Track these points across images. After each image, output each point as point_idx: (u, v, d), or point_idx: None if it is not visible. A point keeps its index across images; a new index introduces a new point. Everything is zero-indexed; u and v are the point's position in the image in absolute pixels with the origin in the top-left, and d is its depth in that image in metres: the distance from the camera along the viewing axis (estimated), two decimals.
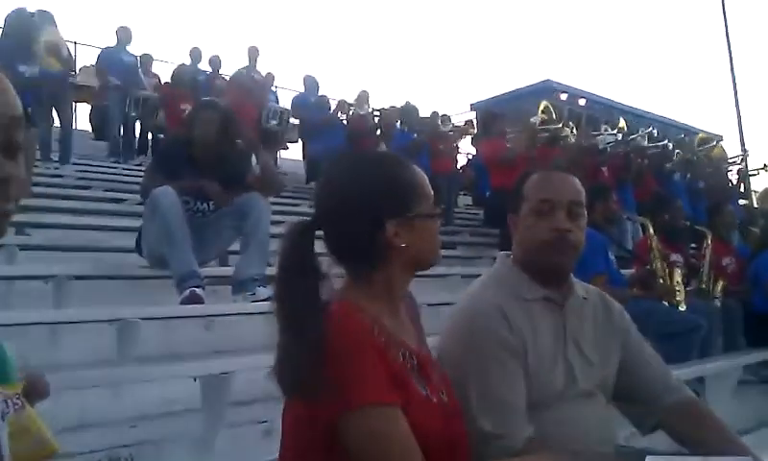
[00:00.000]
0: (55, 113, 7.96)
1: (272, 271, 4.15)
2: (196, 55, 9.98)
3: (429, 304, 3.74)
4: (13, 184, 0.95)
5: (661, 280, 4.43)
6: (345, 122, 9.54)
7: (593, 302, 1.88)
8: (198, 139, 4.16)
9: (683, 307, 4.37)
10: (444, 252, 1.66)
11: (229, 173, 4.12)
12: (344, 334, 1.32)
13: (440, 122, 9.72)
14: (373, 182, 1.45)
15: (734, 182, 11.28)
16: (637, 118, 13.36)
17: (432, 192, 1.52)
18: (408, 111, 9.66)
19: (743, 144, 14.66)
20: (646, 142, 9.33)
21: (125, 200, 6.26)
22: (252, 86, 9.25)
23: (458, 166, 10.07)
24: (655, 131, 9.76)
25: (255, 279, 3.92)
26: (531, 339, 1.69)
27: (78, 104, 10.16)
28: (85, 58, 9.54)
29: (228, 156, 4.16)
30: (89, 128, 10.75)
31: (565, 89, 17.88)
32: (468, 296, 1.83)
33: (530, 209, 1.80)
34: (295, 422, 1.39)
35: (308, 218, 1.45)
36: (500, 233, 6.79)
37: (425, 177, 1.53)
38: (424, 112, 9.86)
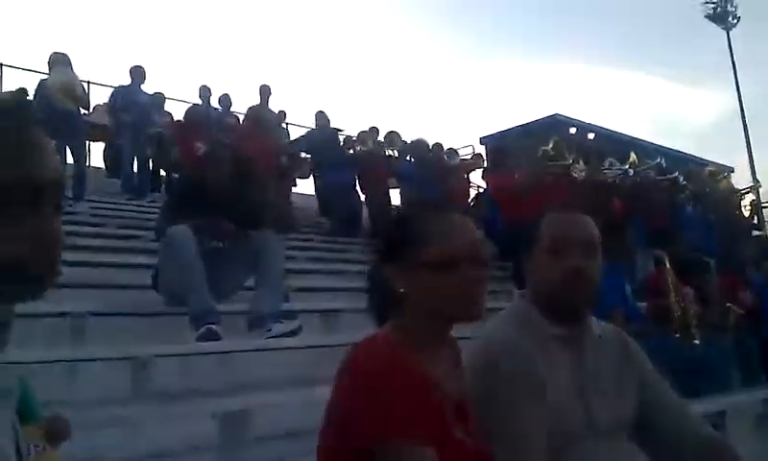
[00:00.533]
0: (69, 151, 8.05)
1: (286, 306, 4.20)
2: (205, 92, 10.09)
3: None
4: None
5: (677, 314, 4.40)
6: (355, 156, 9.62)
7: (610, 339, 1.88)
8: (211, 180, 4.21)
9: (697, 341, 4.34)
10: None
11: (243, 212, 4.16)
12: (369, 365, 1.36)
13: (446, 156, 9.79)
14: (390, 229, 1.56)
15: (747, 215, 11.24)
16: (647, 151, 13.37)
17: (465, 244, 1.48)
18: (417, 146, 9.72)
19: (754, 175, 14.69)
20: (656, 175, 9.33)
21: (139, 236, 6.29)
22: (269, 120, 9.34)
23: (469, 200, 10.10)
24: (663, 162, 9.75)
25: (270, 315, 3.94)
26: (549, 377, 1.69)
27: (92, 142, 10.25)
28: (99, 96, 9.64)
29: (242, 195, 4.21)
30: (103, 165, 10.86)
31: (574, 123, 17.98)
32: (484, 334, 1.83)
33: (543, 249, 1.81)
34: (325, 453, 1.40)
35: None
36: (514, 266, 6.78)
37: (463, 227, 1.52)
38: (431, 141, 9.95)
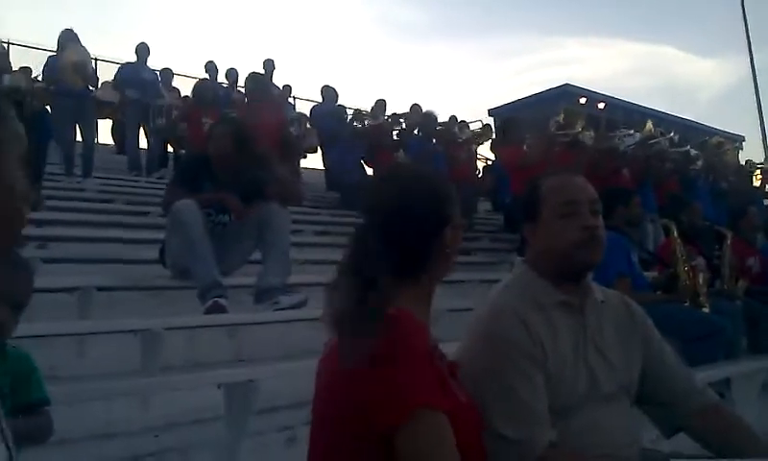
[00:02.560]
0: (77, 129, 8.08)
1: (294, 279, 4.22)
2: (212, 68, 10.06)
3: (450, 310, 3.74)
4: None
5: (685, 283, 4.38)
6: (362, 131, 9.58)
7: (613, 304, 1.89)
8: (214, 154, 4.22)
9: (706, 309, 4.33)
10: (464, 258, 1.69)
11: (248, 185, 4.16)
12: (410, 340, 1.35)
13: (456, 129, 9.73)
14: (439, 189, 1.54)
15: (759, 183, 11.18)
16: (659, 121, 13.27)
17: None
18: (425, 118, 9.66)
19: (766, 146, 14.56)
20: (668, 147, 9.25)
21: (147, 212, 6.32)
22: (271, 91, 9.29)
23: (477, 172, 10.06)
24: (676, 137, 9.66)
25: (277, 288, 3.95)
26: (550, 344, 1.69)
27: (99, 119, 10.27)
28: (106, 74, 9.63)
29: (246, 168, 4.21)
30: (111, 142, 10.90)
31: (584, 93, 17.85)
32: (486, 303, 1.84)
33: (554, 213, 1.80)
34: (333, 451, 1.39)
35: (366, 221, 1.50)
36: (521, 238, 6.77)
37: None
38: (442, 117, 9.88)
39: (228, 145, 4.20)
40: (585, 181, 1.87)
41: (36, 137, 5.93)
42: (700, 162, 9.52)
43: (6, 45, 8.53)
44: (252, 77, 8.92)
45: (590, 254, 1.79)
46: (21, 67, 8.12)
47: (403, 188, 1.52)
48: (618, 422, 1.75)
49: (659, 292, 4.46)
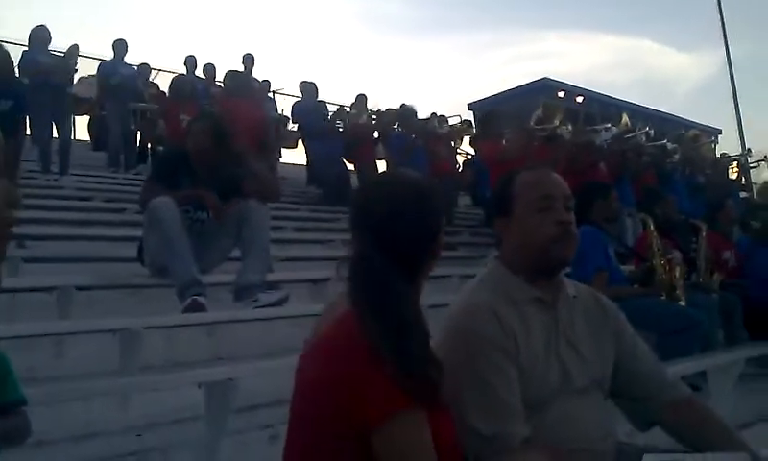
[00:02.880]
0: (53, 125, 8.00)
1: (273, 277, 4.21)
2: (191, 63, 10.00)
3: (430, 307, 3.75)
4: None
5: (661, 276, 4.43)
6: (342, 127, 9.59)
7: (584, 299, 1.91)
8: (192, 150, 4.19)
9: (682, 303, 4.38)
10: (444, 252, 1.71)
11: (226, 181, 4.15)
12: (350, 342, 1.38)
13: (436, 123, 9.76)
14: (431, 196, 1.60)
15: (735, 176, 11.32)
16: (635, 114, 13.37)
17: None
18: (405, 114, 9.68)
19: (742, 136, 14.73)
20: (644, 140, 9.33)
21: (125, 209, 6.27)
22: (249, 86, 9.26)
23: (457, 167, 10.10)
24: (652, 131, 9.75)
25: (257, 285, 3.95)
26: (523, 339, 1.71)
27: (76, 116, 10.17)
28: (82, 69, 9.53)
29: (224, 164, 4.19)
30: (87, 139, 10.79)
31: (563, 87, 17.93)
32: (459, 299, 1.86)
33: (529, 208, 1.81)
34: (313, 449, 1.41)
35: (363, 244, 1.51)
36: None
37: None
38: (422, 114, 9.91)
39: (206, 141, 4.18)
40: (558, 177, 1.89)
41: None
42: (677, 156, 9.62)
43: None
44: (231, 74, 8.88)
45: (565, 249, 1.81)
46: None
47: (396, 199, 1.55)
48: (592, 415, 1.77)
49: (636, 286, 4.50)
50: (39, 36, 8.00)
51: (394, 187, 1.59)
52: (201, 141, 4.18)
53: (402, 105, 9.70)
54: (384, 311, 1.37)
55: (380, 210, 1.53)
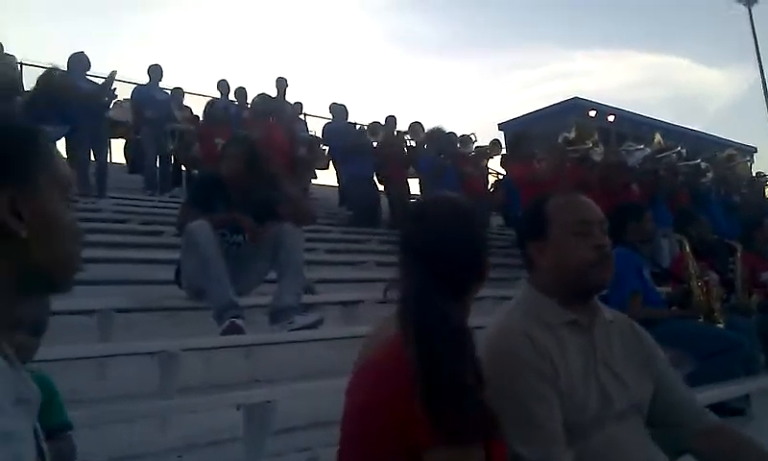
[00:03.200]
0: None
1: (306, 299, 4.24)
2: (224, 86, 10.13)
3: None
4: None
5: (699, 298, 4.38)
6: (374, 146, 9.66)
7: (620, 324, 1.91)
8: (227, 174, 4.26)
9: (721, 325, 4.32)
10: None
11: (260, 205, 4.20)
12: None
13: (462, 144, 9.78)
14: (481, 221, 1.73)
15: None
16: (668, 133, 13.24)
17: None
18: (434, 134, 9.71)
19: None
20: (677, 160, 9.24)
21: (162, 232, 6.36)
22: (278, 110, 9.38)
23: (488, 187, 10.08)
24: (684, 150, 9.64)
25: (293, 307, 3.98)
26: (561, 363, 1.71)
27: (112, 139, 10.35)
28: (120, 93, 9.72)
29: (258, 188, 4.25)
30: (123, 161, 10.98)
31: (594, 106, 17.84)
32: (493, 323, 1.86)
33: (566, 231, 1.82)
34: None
35: (420, 274, 1.52)
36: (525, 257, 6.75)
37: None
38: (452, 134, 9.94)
39: (239, 165, 4.25)
40: (592, 202, 1.90)
41: None
42: (710, 175, 9.50)
43: (18, 65, 8.59)
44: (260, 97, 8.99)
45: (603, 272, 1.81)
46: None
47: (445, 223, 1.59)
48: (635, 440, 1.75)
49: (673, 308, 4.45)
50: (79, 61, 8.18)
51: (441, 211, 1.62)
52: (234, 165, 4.26)
53: (434, 127, 9.74)
54: (434, 339, 1.38)
55: (430, 235, 1.56)
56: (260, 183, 4.29)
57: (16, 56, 8.09)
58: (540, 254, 1.86)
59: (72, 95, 7.27)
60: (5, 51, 7.74)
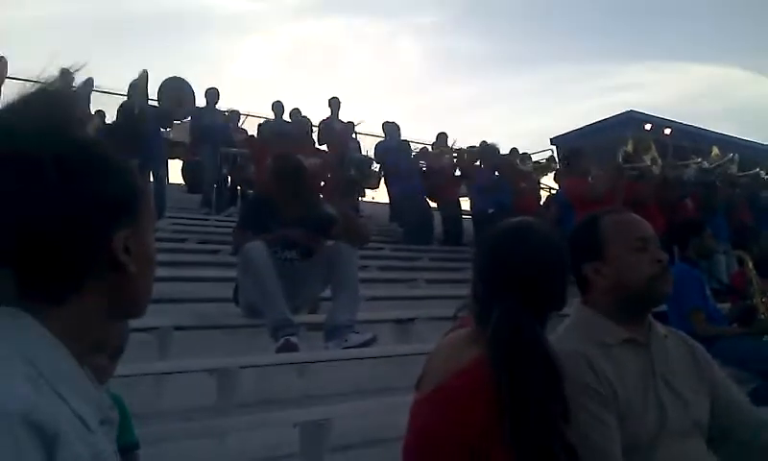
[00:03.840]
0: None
1: (360, 316, 4.28)
2: (278, 108, 10.32)
3: None
4: None
5: (763, 316, 4.26)
6: (425, 166, 9.70)
7: (675, 340, 1.88)
8: (275, 194, 4.35)
9: None
10: None
11: (312, 223, 4.27)
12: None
13: (518, 161, 9.74)
14: (566, 249, 1.70)
15: None
16: (729, 146, 12.90)
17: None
18: (487, 151, 9.70)
19: None
20: (736, 170, 9.00)
21: (218, 251, 6.50)
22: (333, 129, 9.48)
23: (541, 203, 10.00)
24: (737, 156, 9.36)
25: (347, 325, 4.01)
26: (619, 383, 1.69)
27: (170, 159, 10.62)
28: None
29: (309, 205, 4.31)
30: (181, 181, 11.25)
31: (649, 119, 17.51)
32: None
33: (626, 249, 1.81)
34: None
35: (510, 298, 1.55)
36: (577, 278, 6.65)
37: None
38: (503, 150, 9.94)
39: (283, 183, 4.34)
40: (644, 219, 1.91)
41: None
42: None
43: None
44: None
45: (665, 285, 1.81)
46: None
47: (545, 257, 1.63)
48: (691, 458, 1.72)
49: (734, 325, 4.34)
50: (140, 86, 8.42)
51: (538, 243, 1.65)
52: (279, 184, 4.36)
53: (487, 144, 9.74)
54: (528, 369, 1.44)
55: (530, 267, 1.59)
56: (310, 201, 4.36)
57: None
58: (598, 274, 1.84)
59: (144, 127, 7.49)
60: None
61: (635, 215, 1.91)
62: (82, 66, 1.06)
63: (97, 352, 1.80)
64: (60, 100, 0.92)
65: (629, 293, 1.79)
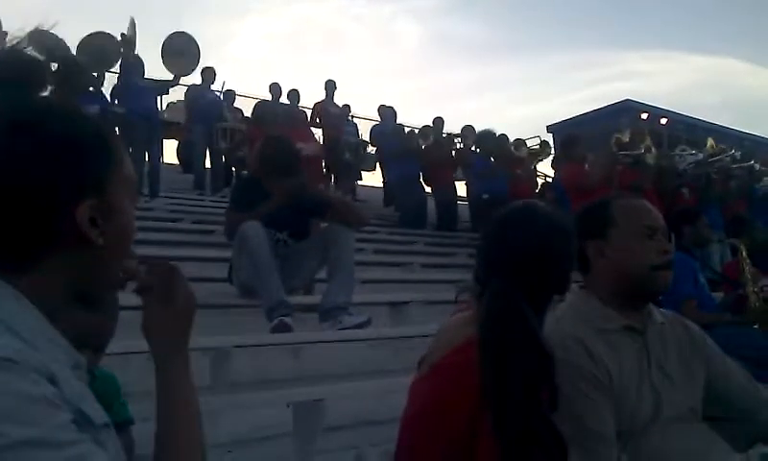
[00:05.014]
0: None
1: (356, 298, 4.28)
2: (276, 90, 10.25)
3: None
4: None
5: (755, 305, 4.27)
6: (422, 148, 9.68)
7: (672, 325, 1.88)
8: (263, 175, 4.33)
9: None
10: None
11: (306, 207, 4.27)
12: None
13: (513, 147, 9.74)
14: (573, 233, 1.68)
15: None
16: (724, 137, 12.92)
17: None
18: (484, 136, 9.69)
19: None
20: (731, 163, 9.02)
21: (213, 231, 6.48)
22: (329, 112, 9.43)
23: (537, 189, 10.02)
24: (738, 153, 9.38)
25: (342, 307, 4.02)
26: (615, 369, 1.69)
27: (165, 139, 10.56)
28: (171, 94, 9.93)
29: (302, 190, 4.30)
30: (176, 162, 11.20)
31: (646, 108, 17.52)
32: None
33: (634, 234, 1.80)
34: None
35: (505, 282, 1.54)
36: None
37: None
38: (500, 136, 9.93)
39: (270, 164, 4.33)
40: (656, 210, 1.89)
41: None
42: (766, 179, 9.25)
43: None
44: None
45: (666, 278, 1.80)
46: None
47: (548, 240, 1.60)
48: (687, 440, 1.72)
49: (727, 313, 4.36)
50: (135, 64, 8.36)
51: (542, 227, 1.62)
52: (267, 164, 4.34)
53: (484, 129, 9.74)
54: (514, 364, 1.42)
55: (531, 251, 1.58)
56: (300, 183, 4.34)
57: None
58: (600, 254, 1.82)
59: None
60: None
61: (649, 204, 1.89)
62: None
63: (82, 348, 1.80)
64: (25, 62, 0.89)
65: (628, 279, 1.79)
